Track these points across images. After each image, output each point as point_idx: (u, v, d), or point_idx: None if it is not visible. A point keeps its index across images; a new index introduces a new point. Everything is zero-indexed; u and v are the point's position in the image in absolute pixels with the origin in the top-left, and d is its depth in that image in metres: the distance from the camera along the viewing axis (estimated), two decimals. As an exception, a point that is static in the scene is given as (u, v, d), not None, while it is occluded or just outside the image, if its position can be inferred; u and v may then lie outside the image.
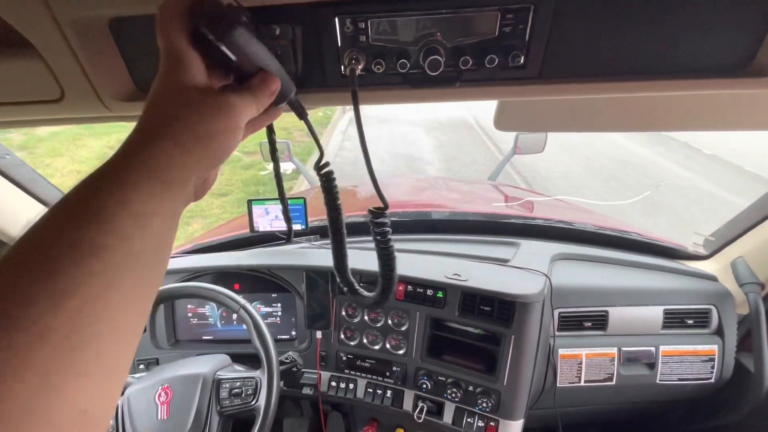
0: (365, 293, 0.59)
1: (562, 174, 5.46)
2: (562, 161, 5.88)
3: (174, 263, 1.10)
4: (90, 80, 0.41)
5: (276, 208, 1.18)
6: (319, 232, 1.28)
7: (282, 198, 0.56)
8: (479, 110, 8.44)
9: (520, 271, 1.01)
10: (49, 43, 0.38)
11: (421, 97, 0.43)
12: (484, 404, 0.94)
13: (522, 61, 0.40)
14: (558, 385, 1.02)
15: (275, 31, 0.39)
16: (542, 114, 0.59)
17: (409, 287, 1.00)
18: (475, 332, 0.99)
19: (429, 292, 0.99)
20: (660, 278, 1.09)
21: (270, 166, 5.64)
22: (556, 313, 1.02)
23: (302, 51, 0.40)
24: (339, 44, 0.40)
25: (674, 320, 1.03)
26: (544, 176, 5.35)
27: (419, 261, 1.07)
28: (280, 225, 1.19)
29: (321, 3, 0.38)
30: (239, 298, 0.89)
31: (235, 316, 1.14)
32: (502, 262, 1.07)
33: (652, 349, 1.02)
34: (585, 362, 1.02)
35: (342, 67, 0.41)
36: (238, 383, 0.84)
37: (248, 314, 0.88)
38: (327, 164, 0.45)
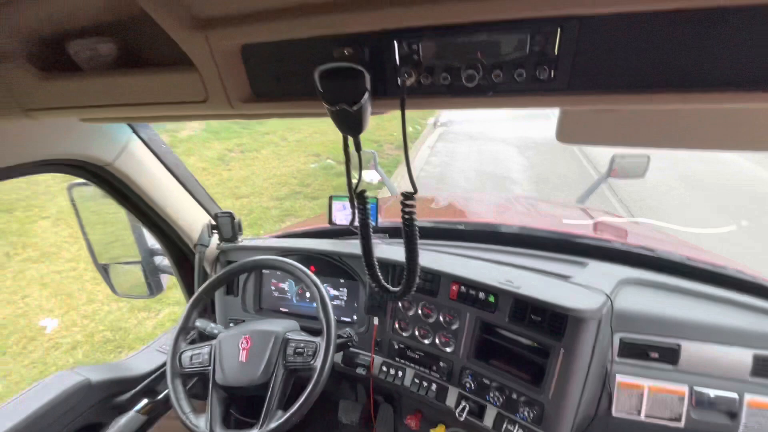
0: (390, 288, 0.68)
1: (676, 204, 4.81)
2: (674, 188, 5.17)
3: (266, 243, 1.32)
4: (225, 87, 0.59)
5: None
6: (389, 232, 1.40)
7: (351, 195, 0.68)
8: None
9: (579, 288, 0.99)
10: (204, 62, 0.57)
11: (459, 104, 0.51)
12: (526, 414, 0.94)
13: (549, 75, 0.46)
14: (613, 414, 0.96)
15: (348, 51, 0.51)
16: (602, 127, 0.62)
17: (463, 288, 1.05)
18: (526, 343, 0.99)
19: (481, 295, 1.03)
20: (753, 319, 0.96)
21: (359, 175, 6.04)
22: (616, 337, 0.97)
23: (369, 66, 0.52)
24: (397, 62, 0.51)
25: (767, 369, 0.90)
26: (650, 205, 4.78)
27: (476, 265, 1.11)
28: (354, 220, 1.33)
29: (384, 31, 0.49)
30: (313, 276, 1.05)
31: (308, 294, 1.31)
32: (563, 278, 1.06)
33: (735, 396, 0.90)
34: (647, 395, 0.94)
35: (398, 79, 0.52)
36: (302, 344, 0.99)
37: (317, 289, 1.03)
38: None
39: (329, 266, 1.26)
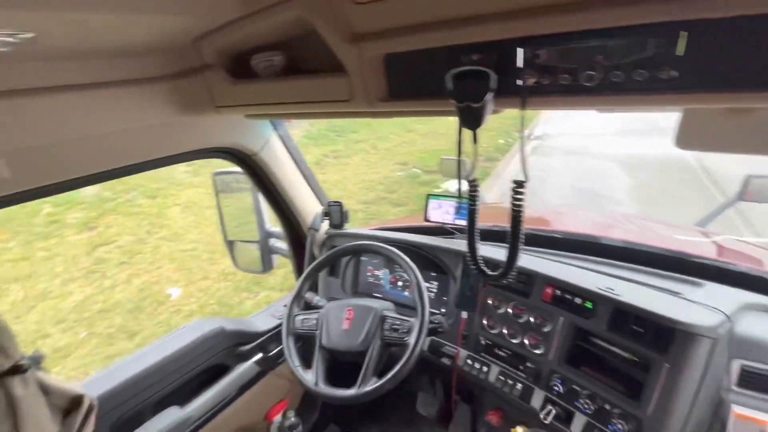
0: (488, 270, 0.74)
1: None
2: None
3: (367, 232, 1.46)
4: (366, 89, 0.72)
5: (448, 204, 1.41)
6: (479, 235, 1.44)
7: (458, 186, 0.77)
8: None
9: (692, 304, 0.93)
10: (354, 68, 0.70)
11: (578, 103, 0.56)
12: (620, 427, 0.91)
13: (673, 74, 0.48)
14: None
15: (476, 56, 0.60)
16: (727, 131, 0.61)
17: (557, 291, 1.06)
18: (623, 354, 0.96)
19: (577, 300, 1.02)
20: None
21: (444, 185, 6.09)
22: (735, 364, 0.88)
23: (494, 69, 0.59)
24: (519, 65, 0.58)
25: None
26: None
27: (573, 271, 1.10)
28: (448, 219, 1.41)
29: (509, 39, 0.56)
30: (411, 262, 1.15)
31: (400, 282, 1.42)
32: (672, 293, 1.00)
33: None
34: (772, 433, 0.84)
35: (518, 80, 0.59)
36: (398, 322, 1.09)
37: (414, 274, 1.12)
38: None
39: (422, 258, 1.36)
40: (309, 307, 1.32)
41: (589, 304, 1.00)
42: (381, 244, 1.21)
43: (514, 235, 0.66)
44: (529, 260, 1.17)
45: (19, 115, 0.68)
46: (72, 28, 0.60)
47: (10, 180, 0.74)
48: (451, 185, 6.22)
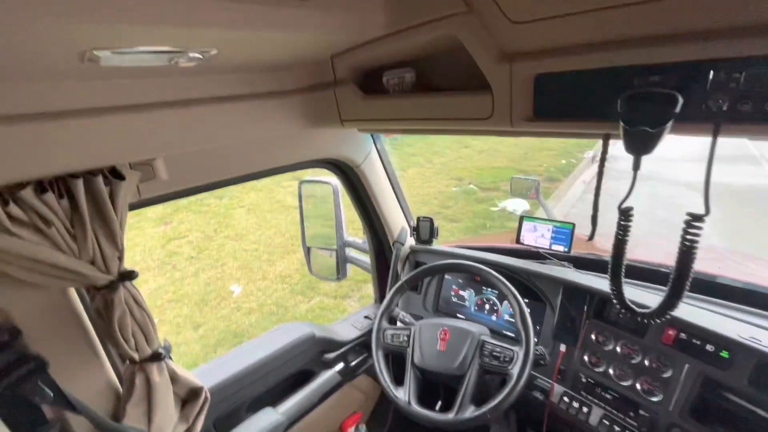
0: (637, 309, 0.67)
1: None
2: None
3: (455, 250, 1.43)
4: (511, 108, 0.70)
5: (543, 227, 1.34)
6: (574, 262, 1.36)
7: (595, 211, 0.72)
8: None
9: None
10: (500, 86, 0.69)
11: None
12: None
13: None
14: None
15: (654, 79, 0.56)
16: None
17: (682, 334, 0.95)
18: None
19: (709, 347, 0.91)
20: None
21: (502, 203, 5.90)
22: None
23: (678, 92, 0.55)
24: (707, 88, 0.53)
25: None
26: None
27: (699, 312, 0.99)
28: (544, 243, 1.34)
29: (698, 60, 0.52)
30: (515, 290, 1.10)
31: (487, 306, 1.37)
32: None
33: None
34: None
35: (705, 105, 0.54)
36: (498, 350, 1.04)
37: (517, 302, 1.07)
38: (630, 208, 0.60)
39: (515, 283, 1.30)
40: (392, 321, 1.31)
41: (725, 353, 0.89)
42: (484, 267, 1.16)
43: (681, 275, 0.60)
44: (637, 294, 1.07)
45: (182, 123, 0.75)
46: (241, 46, 0.64)
47: (166, 181, 0.80)
48: (510, 204, 6.01)
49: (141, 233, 5.78)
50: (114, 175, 0.70)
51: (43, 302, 0.71)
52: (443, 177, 7.31)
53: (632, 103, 0.56)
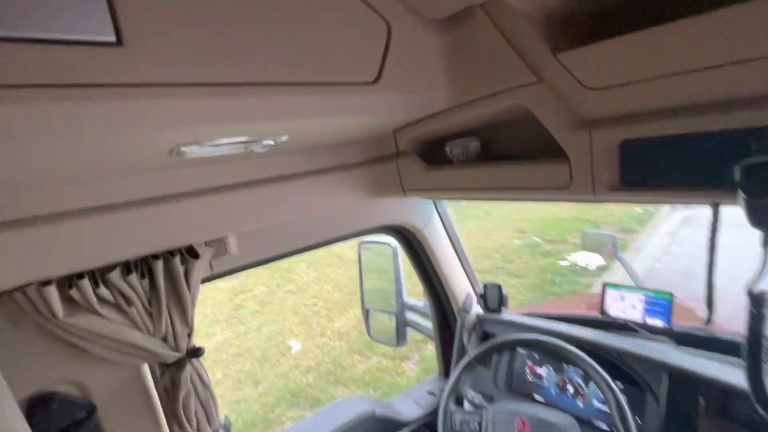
0: None
1: None
2: None
3: (528, 320, 1.29)
4: (593, 177, 0.63)
5: (633, 296, 1.17)
6: (677, 338, 1.15)
7: (710, 291, 0.60)
8: None
9: None
10: (579, 154, 0.63)
11: None
12: None
13: None
14: None
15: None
16: None
17: None
18: None
19: None
20: None
21: (571, 257, 5.44)
22: None
23: None
24: None
25: None
26: None
27: None
28: (634, 315, 1.16)
29: None
30: (606, 374, 0.93)
31: (570, 388, 1.18)
32: None
33: None
34: None
35: None
36: (593, 451, 0.87)
37: (609, 388, 0.91)
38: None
39: (602, 364, 1.11)
40: (459, 400, 1.17)
41: None
42: (565, 345, 1.01)
43: None
44: None
45: (253, 201, 0.78)
46: (310, 130, 0.67)
47: (236, 255, 0.83)
48: (582, 258, 5.52)
49: (213, 286, 6.17)
50: (190, 253, 0.74)
51: (118, 378, 0.74)
52: (504, 229, 7.03)
53: (758, 172, 0.47)
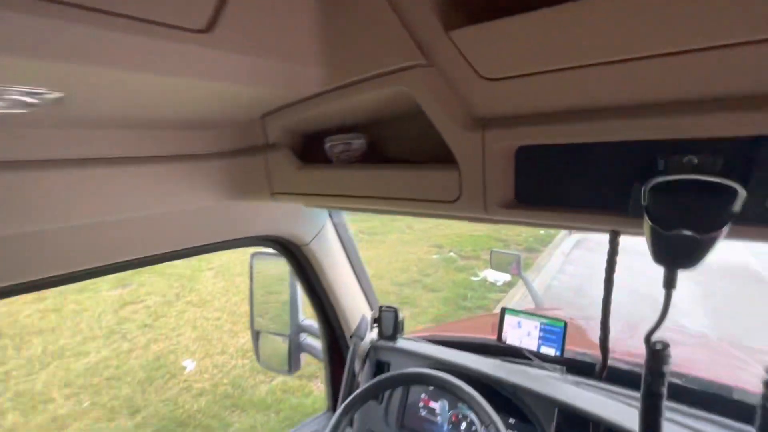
0: None
1: None
2: None
3: (424, 349, 1.17)
4: (485, 189, 0.51)
5: (530, 324, 1.12)
6: (567, 365, 1.12)
7: (605, 321, 0.51)
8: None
9: None
10: (470, 161, 0.51)
11: None
12: None
13: None
14: None
15: (694, 160, 0.38)
16: None
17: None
18: None
19: None
20: None
21: (482, 273, 5.70)
22: None
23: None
24: None
25: None
26: None
27: None
28: (530, 343, 1.11)
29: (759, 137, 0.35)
30: (494, 414, 0.84)
31: (463, 424, 1.08)
32: None
33: None
34: None
35: None
36: None
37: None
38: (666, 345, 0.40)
39: (494, 397, 1.03)
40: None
41: None
42: (459, 384, 0.91)
43: None
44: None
45: (34, 190, 0.53)
46: (112, 91, 0.45)
47: (10, 269, 0.56)
48: (491, 275, 5.79)
49: (94, 296, 5.26)
50: None
51: None
52: (424, 244, 7.16)
53: (667, 195, 0.38)
